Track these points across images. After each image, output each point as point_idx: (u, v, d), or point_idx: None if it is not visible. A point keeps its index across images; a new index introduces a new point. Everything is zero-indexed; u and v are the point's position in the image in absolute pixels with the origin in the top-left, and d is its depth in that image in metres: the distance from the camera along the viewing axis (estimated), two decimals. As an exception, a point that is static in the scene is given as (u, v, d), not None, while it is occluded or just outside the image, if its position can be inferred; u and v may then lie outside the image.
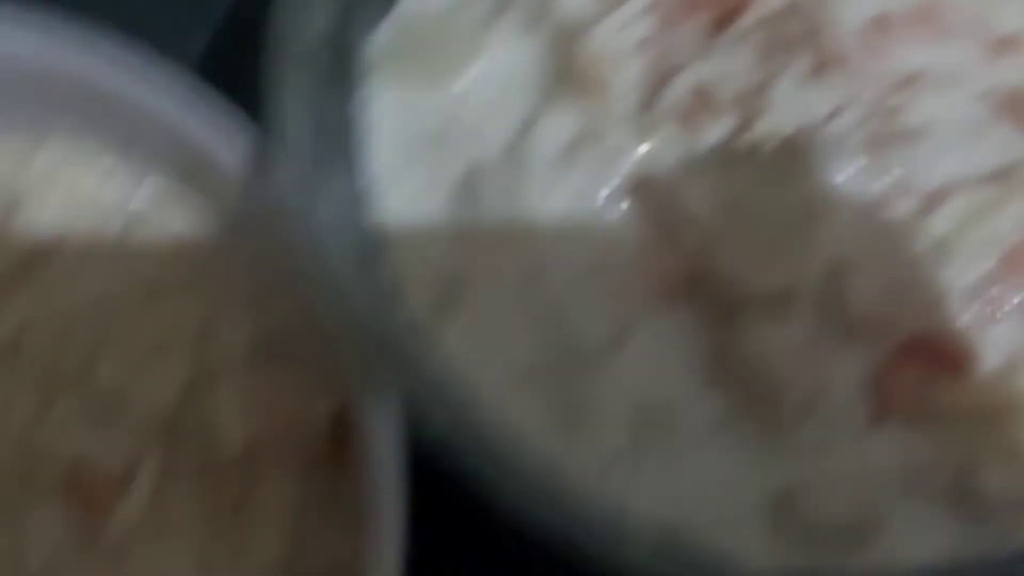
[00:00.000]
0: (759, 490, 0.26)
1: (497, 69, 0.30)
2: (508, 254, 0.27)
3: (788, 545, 0.26)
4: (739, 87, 0.29)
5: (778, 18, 0.29)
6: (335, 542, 0.29)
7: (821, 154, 0.27)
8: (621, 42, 0.29)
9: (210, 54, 0.36)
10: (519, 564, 0.28)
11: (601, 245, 0.27)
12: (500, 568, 0.30)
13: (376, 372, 0.26)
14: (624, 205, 0.28)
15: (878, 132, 0.28)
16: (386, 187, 0.29)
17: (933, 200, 0.27)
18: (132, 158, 0.31)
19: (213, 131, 0.28)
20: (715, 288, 0.27)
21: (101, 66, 0.29)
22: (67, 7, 0.29)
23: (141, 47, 0.29)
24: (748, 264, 0.27)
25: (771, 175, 0.27)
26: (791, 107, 0.28)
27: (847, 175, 0.27)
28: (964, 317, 0.27)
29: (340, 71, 0.30)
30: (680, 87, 0.29)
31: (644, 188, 0.27)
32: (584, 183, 0.28)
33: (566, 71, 0.29)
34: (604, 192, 0.28)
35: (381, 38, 0.31)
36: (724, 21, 0.29)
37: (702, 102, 0.29)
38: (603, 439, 0.27)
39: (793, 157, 0.27)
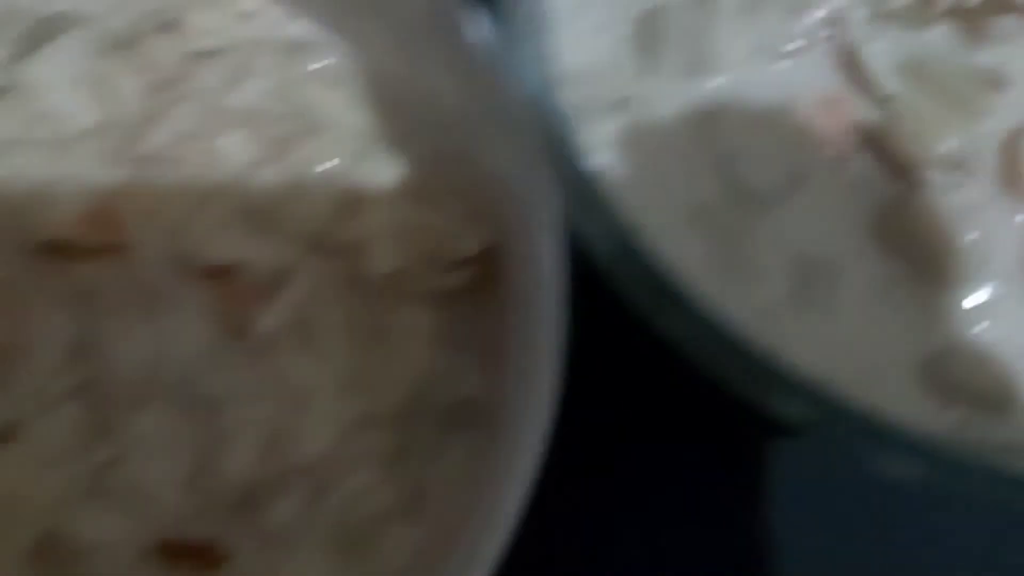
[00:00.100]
0: (913, 351, 0.27)
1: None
2: (685, 96, 0.27)
3: (937, 406, 0.26)
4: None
5: None
6: (468, 379, 0.29)
7: (1010, 24, 0.27)
8: None
9: None
10: (674, 399, 0.28)
11: (781, 93, 0.27)
12: (653, 406, 0.30)
13: (543, 202, 0.26)
14: (808, 56, 0.28)
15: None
16: (564, 20, 0.28)
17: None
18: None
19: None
20: (891, 146, 0.27)
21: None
22: None
23: None
24: (927, 125, 0.27)
25: (958, 40, 0.27)
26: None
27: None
28: None
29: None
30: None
31: (830, 41, 0.27)
32: (769, 32, 0.28)
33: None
34: (788, 42, 0.28)
35: None
36: None
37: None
38: (761, 288, 0.27)
39: (983, 24, 0.27)
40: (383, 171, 0.30)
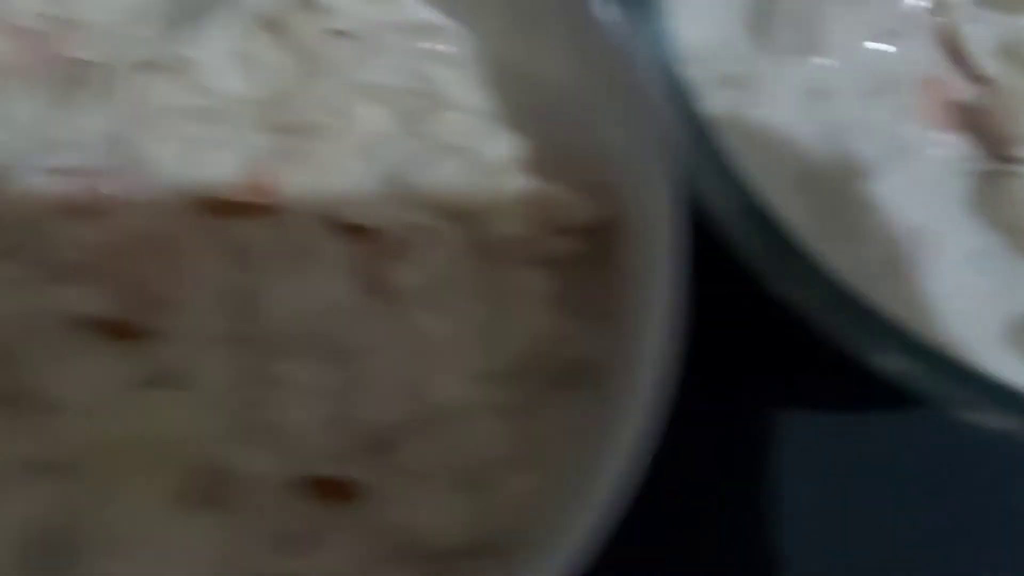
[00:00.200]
0: (1004, 314, 0.28)
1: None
2: (794, 73, 0.29)
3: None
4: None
5: None
6: (584, 341, 0.31)
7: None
8: None
9: None
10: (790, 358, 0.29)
11: (886, 72, 0.29)
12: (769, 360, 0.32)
13: (664, 175, 0.28)
14: (912, 37, 0.29)
15: None
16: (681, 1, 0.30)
17: None
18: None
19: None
20: (989, 124, 0.28)
21: None
22: None
23: None
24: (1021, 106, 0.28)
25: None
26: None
27: None
28: None
29: None
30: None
31: (933, 23, 0.29)
32: (875, 14, 0.29)
33: None
34: (894, 23, 0.29)
35: None
36: None
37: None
38: (860, 253, 0.29)
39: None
40: (505, 145, 0.32)
